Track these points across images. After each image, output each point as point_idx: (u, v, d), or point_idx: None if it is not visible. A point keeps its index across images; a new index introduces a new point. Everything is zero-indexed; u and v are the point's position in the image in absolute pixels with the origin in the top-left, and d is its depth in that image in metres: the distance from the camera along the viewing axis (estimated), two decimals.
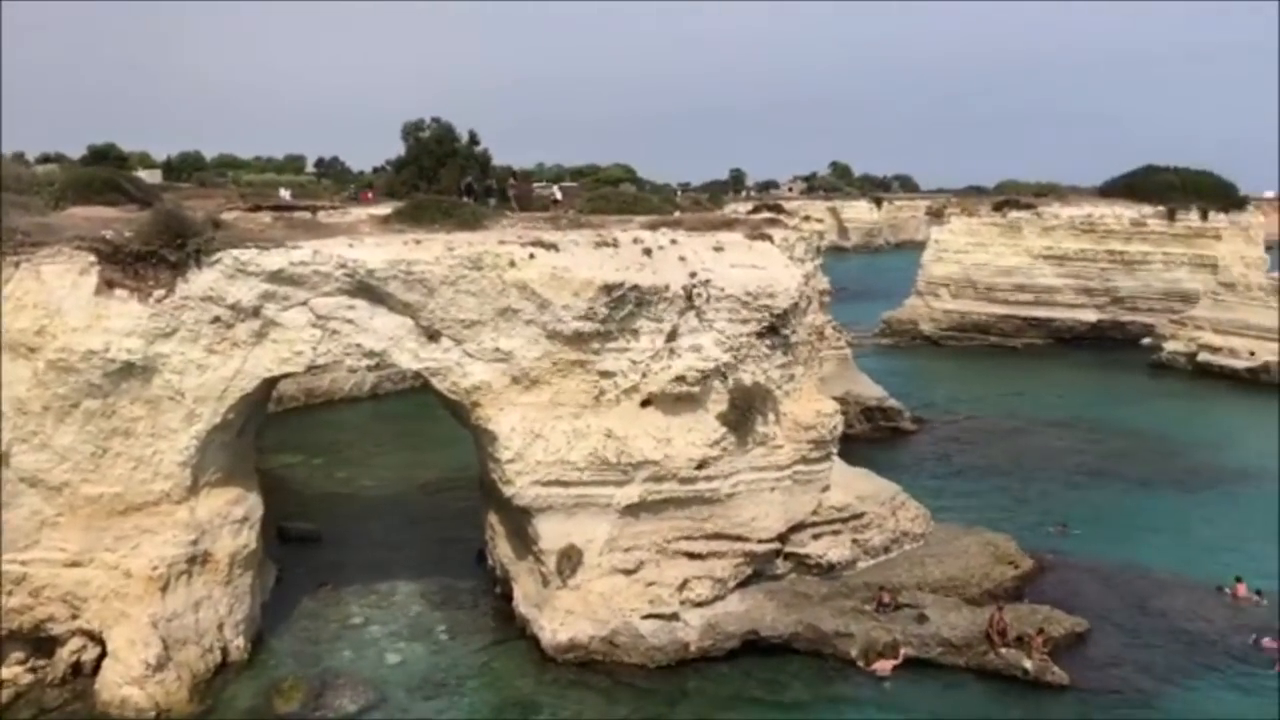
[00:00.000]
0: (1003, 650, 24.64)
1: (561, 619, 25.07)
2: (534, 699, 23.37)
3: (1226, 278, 67.67)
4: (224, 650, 24.02)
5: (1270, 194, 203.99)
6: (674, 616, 25.25)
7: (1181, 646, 26.05)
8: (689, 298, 25.78)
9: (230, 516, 24.41)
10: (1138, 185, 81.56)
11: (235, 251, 23.50)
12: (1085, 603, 28.07)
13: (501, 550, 27.60)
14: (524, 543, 26.43)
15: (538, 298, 24.62)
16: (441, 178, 42.02)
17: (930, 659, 24.91)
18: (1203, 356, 64.39)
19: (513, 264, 24.65)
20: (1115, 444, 46.99)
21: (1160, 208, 77.60)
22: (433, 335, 24.73)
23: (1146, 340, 71.17)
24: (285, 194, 46.15)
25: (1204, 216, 76.45)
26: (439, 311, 24.47)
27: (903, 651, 24.80)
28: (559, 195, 42.06)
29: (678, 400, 25.92)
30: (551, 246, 25.33)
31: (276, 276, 23.55)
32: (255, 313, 23.60)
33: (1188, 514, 37.05)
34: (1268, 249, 75.86)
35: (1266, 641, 26.00)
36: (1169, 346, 67.36)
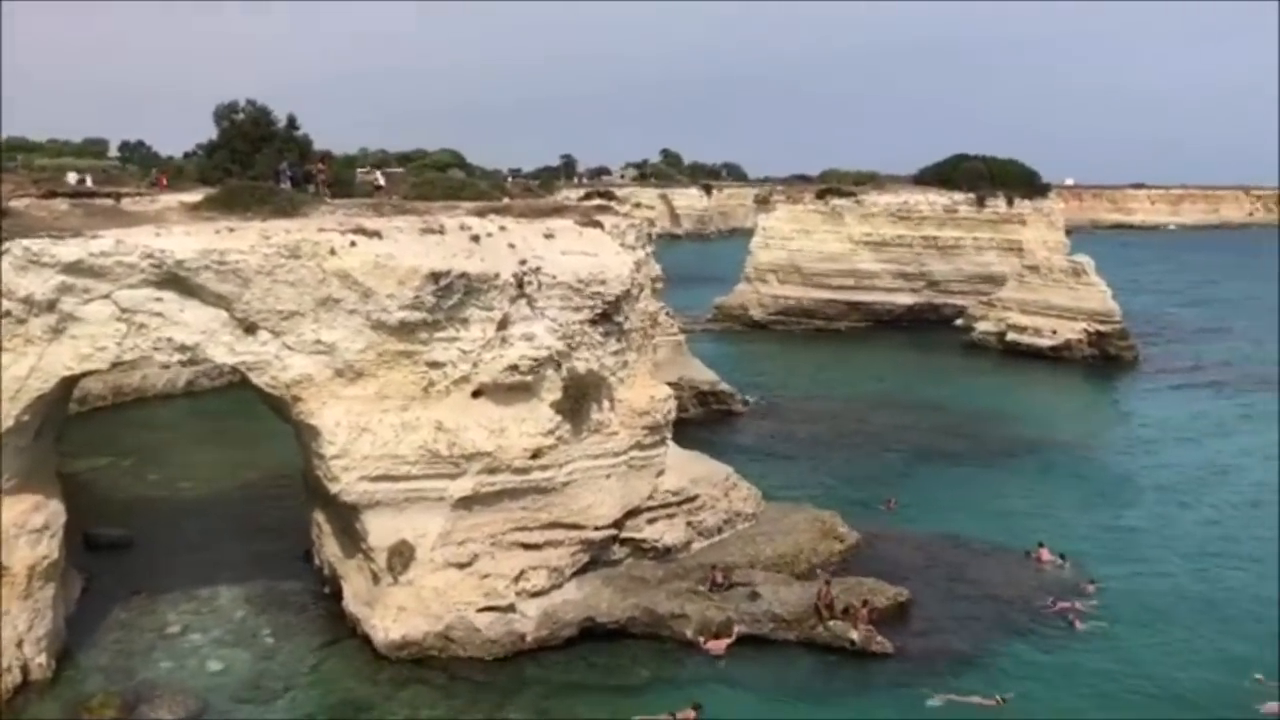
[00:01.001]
0: (830, 623, 25.43)
1: (394, 616, 24.44)
2: (367, 699, 22.71)
3: (1031, 261, 71.90)
4: (25, 669, 22.34)
5: (1070, 181, 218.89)
6: (510, 608, 24.99)
7: (993, 612, 27.45)
8: (520, 285, 25.43)
9: (28, 525, 22.68)
10: (948, 173, 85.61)
11: (26, 241, 21.79)
12: (907, 573, 29.23)
13: (329, 549, 26.69)
14: (353, 540, 25.62)
15: (360, 287, 23.80)
16: (257, 163, 40.16)
17: (763, 635, 25.47)
18: (1011, 336, 68.26)
19: (333, 252, 23.75)
20: (932, 420, 49.30)
21: (970, 195, 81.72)
22: (249, 328, 23.61)
23: (959, 321, 74.76)
24: (74, 178, 42.75)
25: (1010, 203, 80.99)
26: (255, 303, 23.36)
27: (736, 629, 25.28)
28: (382, 181, 40.63)
29: (510, 390, 25.57)
30: (374, 234, 24.51)
31: (74, 268, 21.99)
32: (51, 307, 21.98)
33: (999, 485, 39.22)
34: (1067, 233, 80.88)
35: (1061, 604, 27.70)
36: (980, 327, 71.14)
